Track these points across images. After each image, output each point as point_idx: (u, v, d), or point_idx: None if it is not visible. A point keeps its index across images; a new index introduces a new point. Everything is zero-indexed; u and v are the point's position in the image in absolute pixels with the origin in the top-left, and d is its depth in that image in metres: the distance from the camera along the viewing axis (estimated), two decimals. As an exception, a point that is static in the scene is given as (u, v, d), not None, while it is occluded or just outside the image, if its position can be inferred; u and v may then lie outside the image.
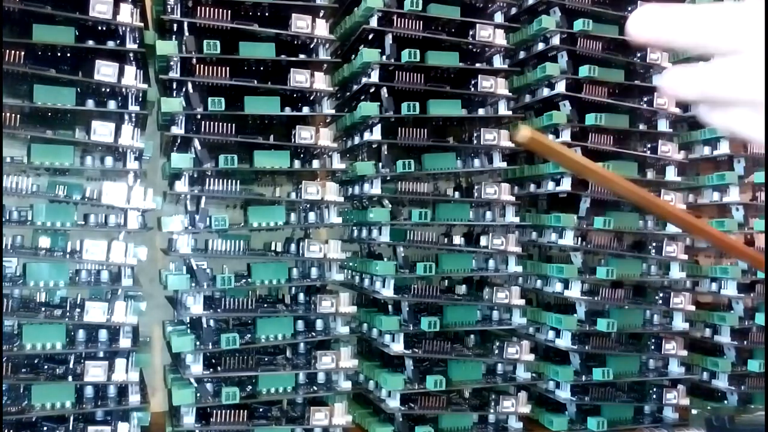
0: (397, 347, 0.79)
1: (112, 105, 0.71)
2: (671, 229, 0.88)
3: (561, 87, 0.86)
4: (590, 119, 0.86)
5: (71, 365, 0.69)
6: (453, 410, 0.80)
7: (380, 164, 0.80)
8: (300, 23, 0.74)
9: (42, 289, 0.70)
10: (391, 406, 0.78)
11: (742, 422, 0.74)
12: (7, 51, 0.65)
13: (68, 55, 0.69)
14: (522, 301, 0.83)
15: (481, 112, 0.84)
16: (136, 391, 0.69)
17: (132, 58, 0.70)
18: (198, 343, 0.71)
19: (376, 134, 0.80)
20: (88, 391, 0.68)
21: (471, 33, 0.82)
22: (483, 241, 0.82)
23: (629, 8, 0.89)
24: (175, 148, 0.73)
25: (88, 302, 0.68)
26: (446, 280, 0.86)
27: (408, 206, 0.84)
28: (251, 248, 0.77)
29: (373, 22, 0.79)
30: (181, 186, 0.72)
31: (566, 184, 0.85)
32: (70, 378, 0.67)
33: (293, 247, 0.76)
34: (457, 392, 0.82)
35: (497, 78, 0.83)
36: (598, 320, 0.84)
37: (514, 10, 0.89)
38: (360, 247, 0.90)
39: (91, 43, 0.69)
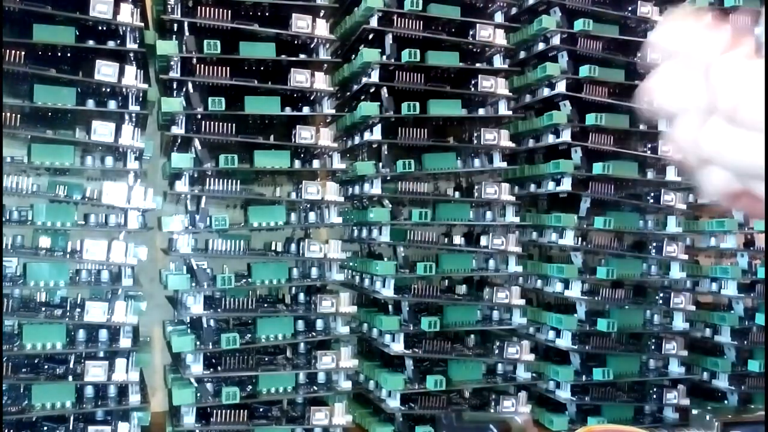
0: (397, 347, 0.78)
1: (112, 105, 0.71)
2: (671, 229, 0.88)
3: (561, 87, 0.86)
4: (590, 119, 0.86)
5: (71, 365, 0.69)
6: (453, 410, 0.80)
7: (380, 164, 0.80)
8: (300, 23, 0.74)
9: (42, 288, 0.70)
10: (391, 406, 0.78)
11: (473, 419, 0.73)
12: (7, 51, 0.65)
13: (68, 55, 0.69)
14: (522, 301, 0.83)
15: (481, 112, 0.84)
16: (137, 391, 0.69)
17: (132, 58, 0.70)
18: (198, 343, 0.70)
19: (376, 134, 0.80)
20: (89, 391, 0.68)
21: (471, 33, 0.82)
22: (483, 241, 0.82)
23: (629, 8, 0.89)
24: (175, 148, 0.73)
25: (89, 302, 0.68)
26: (446, 280, 0.86)
27: (408, 206, 0.84)
28: (251, 248, 0.77)
29: (373, 22, 0.79)
30: (182, 186, 0.72)
31: (566, 184, 0.85)
32: (70, 378, 0.67)
33: (293, 247, 0.76)
34: (457, 392, 0.82)
35: (497, 78, 0.83)
36: (599, 320, 0.84)
37: (514, 10, 0.89)
38: (360, 247, 0.90)
39: (91, 43, 0.69)
